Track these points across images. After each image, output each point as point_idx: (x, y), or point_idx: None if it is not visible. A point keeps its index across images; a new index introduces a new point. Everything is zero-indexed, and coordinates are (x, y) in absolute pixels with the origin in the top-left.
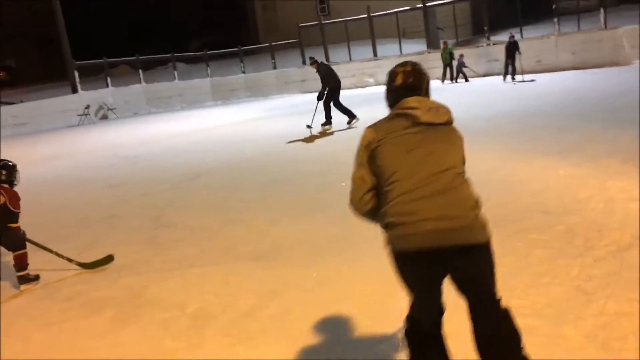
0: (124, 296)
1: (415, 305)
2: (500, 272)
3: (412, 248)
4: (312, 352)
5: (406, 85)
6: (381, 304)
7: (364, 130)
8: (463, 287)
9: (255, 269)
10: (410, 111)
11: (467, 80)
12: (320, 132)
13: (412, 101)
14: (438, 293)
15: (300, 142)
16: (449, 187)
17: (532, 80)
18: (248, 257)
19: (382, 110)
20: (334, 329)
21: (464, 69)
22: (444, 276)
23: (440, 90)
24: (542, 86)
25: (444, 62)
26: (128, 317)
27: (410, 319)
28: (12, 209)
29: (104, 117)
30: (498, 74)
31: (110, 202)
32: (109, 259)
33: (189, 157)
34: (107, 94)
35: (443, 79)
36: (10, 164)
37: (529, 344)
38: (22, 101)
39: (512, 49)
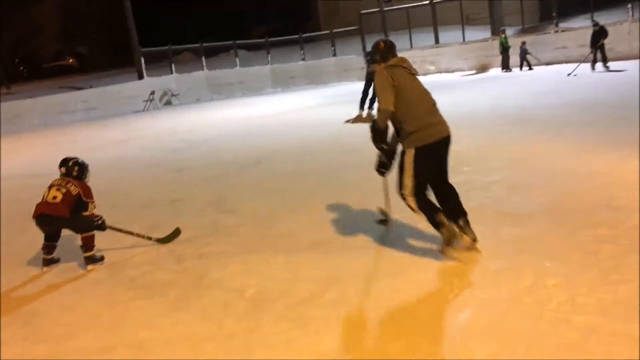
0: (186, 278)
1: (421, 179)
2: (567, 268)
3: (432, 140)
4: (369, 341)
5: (389, 49)
6: (437, 296)
7: (383, 71)
8: (440, 161)
9: (314, 256)
10: (405, 64)
11: (530, 68)
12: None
13: (403, 59)
14: (436, 168)
15: (360, 130)
16: (435, 107)
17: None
18: (307, 244)
19: (445, 97)
20: (391, 319)
21: (528, 57)
22: (446, 159)
23: (503, 79)
24: (613, 75)
25: (501, 50)
26: (190, 298)
27: (418, 191)
28: (86, 199)
29: (168, 103)
30: (565, 62)
31: (175, 186)
32: (177, 232)
33: (250, 143)
34: (171, 80)
35: (503, 67)
36: (81, 161)
37: (595, 342)
38: (91, 86)
39: (595, 36)
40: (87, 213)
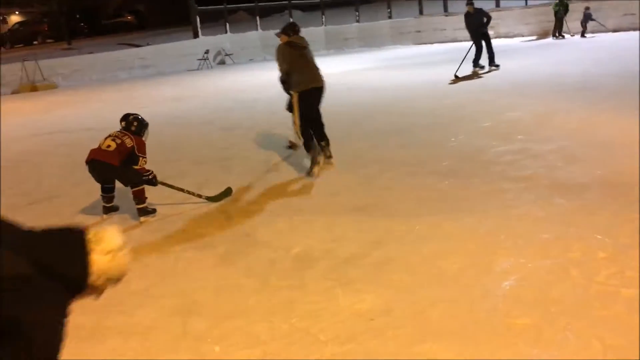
0: (234, 234)
1: (305, 122)
2: (617, 241)
3: (309, 87)
4: (410, 303)
5: (291, 29)
6: (482, 264)
7: (282, 46)
8: (314, 103)
9: (359, 218)
10: (299, 41)
11: (583, 35)
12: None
13: (299, 38)
14: (313, 107)
15: (413, 93)
16: (314, 68)
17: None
18: (353, 207)
19: (507, 62)
20: (432, 282)
21: (591, 22)
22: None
23: (564, 46)
24: None
25: (556, 14)
26: (237, 254)
27: (304, 130)
28: (138, 154)
29: (222, 63)
30: (636, 29)
31: (226, 144)
32: (228, 191)
33: None
34: (225, 39)
35: (554, 33)
36: (140, 117)
37: None
38: (148, 44)
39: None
40: (137, 167)
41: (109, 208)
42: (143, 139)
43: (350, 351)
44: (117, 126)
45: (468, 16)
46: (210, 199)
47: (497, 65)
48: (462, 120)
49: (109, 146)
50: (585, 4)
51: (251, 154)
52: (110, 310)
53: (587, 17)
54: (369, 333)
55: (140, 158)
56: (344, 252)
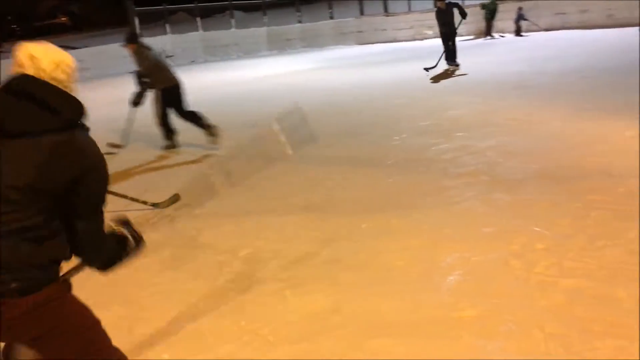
0: (180, 239)
1: (164, 109)
2: (556, 232)
3: (166, 86)
4: (360, 300)
5: (136, 36)
6: (427, 259)
7: (140, 50)
8: (173, 99)
9: (308, 218)
10: (148, 46)
11: (518, 34)
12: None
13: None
14: (175, 103)
15: (356, 93)
16: (168, 67)
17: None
18: (301, 207)
19: (442, 62)
20: (381, 279)
21: (522, 22)
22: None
23: (500, 45)
24: (612, 43)
25: (485, 16)
26: (183, 258)
27: (164, 123)
28: None
29: None
30: (566, 28)
31: (168, 150)
32: (176, 197)
33: (246, 106)
34: (166, 41)
35: (485, 34)
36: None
37: (579, 304)
38: (85, 46)
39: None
40: None
41: None
42: None
43: (301, 351)
44: None
45: (440, 12)
46: (157, 206)
47: (457, 64)
48: (405, 119)
49: None
50: (519, 4)
51: (196, 157)
52: None
53: (520, 17)
54: (319, 332)
55: None
56: (293, 252)
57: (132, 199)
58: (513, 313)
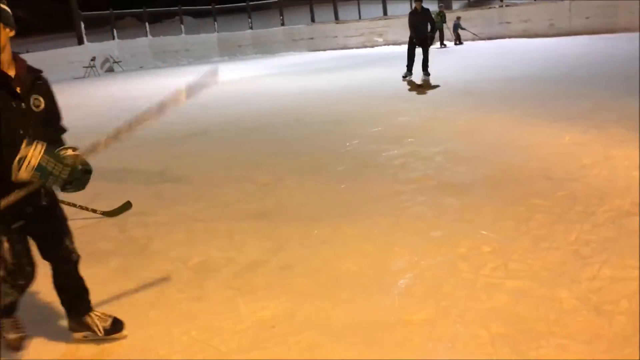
0: (129, 247)
1: None
2: (500, 235)
3: None
4: (312, 306)
5: None
6: (379, 264)
7: None
8: None
9: (259, 225)
10: None
11: (459, 42)
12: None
13: None
14: None
15: (307, 100)
16: None
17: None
18: (252, 214)
19: (394, 69)
20: (333, 285)
21: (460, 31)
22: None
23: (446, 53)
24: (553, 51)
25: (438, 26)
26: (132, 267)
27: None
28: None
29: (110, 70)
30: (509, 37)
31: (117, 154)
32: (127, 205)
33: (196, 113)
34: (113, 46)
35: (440, 43)
36: None
37: (524, 305)
38: (27, 51)
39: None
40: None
41: None
42: None
43: None
44: None
45: (414, 14)
46: (107, 214)
47: (428, 74)
48: (354, 125)
49: None
50: (457, 14)
51: (145, 164)
52: None
53: (456, 26)
54: (271, 340)
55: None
56: (244, 260)
57: (82, 207)
58: (461, 315)
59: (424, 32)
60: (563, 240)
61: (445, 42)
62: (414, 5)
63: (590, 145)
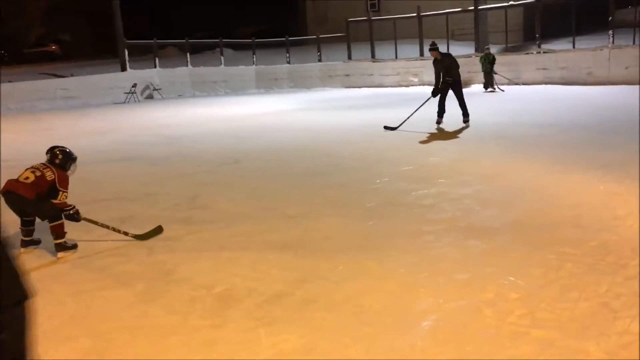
0: (155, 272)
1: None
2: (528, 283)
3: None
4: (331, 341)
5: None
6: (402, 303)
7: None
8: None
9: (284, 257)
10: None
11: (492, 89)
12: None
13: None
14: None
15: (339, 136)
16: None
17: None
18: (277, 245)
19: (428, 109)
20: (354, 321)
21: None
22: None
23: (481, 96)
24: (590, 99)
25: (483, 69)
26: (157, 292)
27: None
28: (59, 187)
29: (150, 97)
30: (546, 83)
31: (149, 180)
32: (158, 230)
33: (230, 142)
34: (154, 74)
35: (485, 85)
36: (68, 151)
37: (549, 356)
38: (72, 75)
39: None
40: (56, 201)
41: (28, 242)
42: (69, 173)
43: None
44: (32, 157)
45: (436, 63)
46: (139, 237)
47: (467, 121)
48: (385, 163)
49: (27, 178)
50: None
51: (176, 190)
52: None
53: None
54: None
55: (60, 192)
56: (267, 291)
57: (113, 229)
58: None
59: (453, 77)
60: (593, 292)
61: (495, 86)
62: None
63: (625, 195)
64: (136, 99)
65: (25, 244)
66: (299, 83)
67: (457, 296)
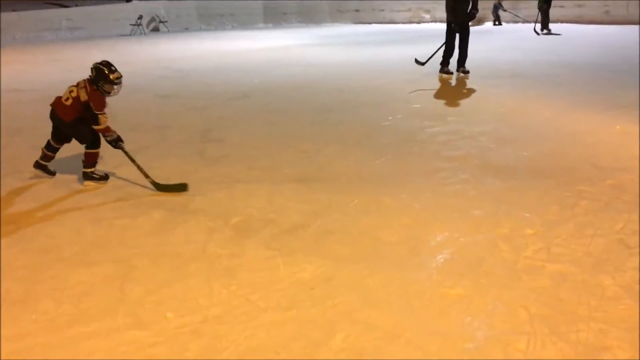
0: (171, 202)
1: None
2: (544, 219)
3: None
4: (349, 272)
5: None
6: (417, 237)
7: None
8: None
9: (299, 190)
10: None
11: (499, 24)
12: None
13: None
14: None
15: (350, 72)
16: None
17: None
18: (293, 179)
19: (437, 46)
20: (371, 253)
21: (501, 12)
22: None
23: (495, 34)
24: (608, 38)
25: (538, 6)
26: (174, 222)
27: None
28: (94, 111)
29: (155, 30)
30: (562, 22)
31: (161, 113)
32: (182, 187)
33: (239, 77)
34: (160, 6)
35: (542, 27)
36: (104, 64)
37: (565, 289)
38: (76, 5)
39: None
40: (99, 127)
41: (41, 166)
42: (110, 94)
43: (291, 318)
44: (44, 88)
45: None
46: (159, 187)
47: (467, 71)
48: (397, 100)
49: (67, 99)
50: None
51: (188, 123)
52: (39, 275)
53: (496, 8)
54: (308, 301)
55: (100, 116)
56: (284, 223)
57: (141, 169)
58: (499, 293)
59: (464, 14)
60: (609, 229)
61: (549, 27)
62: None
63: None
64: (142, 32)
65: (38, 165)
66: (308, 18)
67: (472, 231)
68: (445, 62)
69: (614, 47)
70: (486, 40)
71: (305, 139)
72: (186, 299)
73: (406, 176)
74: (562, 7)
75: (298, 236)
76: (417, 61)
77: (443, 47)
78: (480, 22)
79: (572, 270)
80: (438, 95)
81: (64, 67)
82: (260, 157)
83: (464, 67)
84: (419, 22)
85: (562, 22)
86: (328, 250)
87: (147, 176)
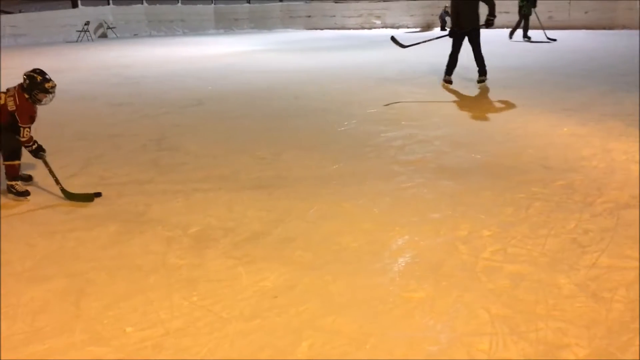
0: (127, 213)
1: None
2: (499, 220)
3: None
4: (312, 278)
5: None
6: (379, 241)
7: None
8: None
9: (259, 197)
10: None
11: (444, 29)
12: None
13: None
14: None
15: (305, 78)
16: None
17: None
18: (251, 186)
19: (394, 52)
20: (333, 259)
21: (447, 18)
22: None
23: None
24: (552, 44)
25: (523, 11)
26: (131, 232)
27: None
28: (19, 122)
29: (103, 36)
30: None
31: (113, 121)
32: (90, 197)
33: (192, 84)
34: (108, 11)
35: (524, 34)
36: (37, 72)
37: (523, 289)
38: (20, 11)
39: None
40: (22, 140)
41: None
42: (40, 103)
43: (255, 327)
44: None
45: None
46: (67, 195)
47: (483, 80)
48: (352, 105)
49: None
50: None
51: (141, 131)
52: None
53: (444, 13)
54: (272, 310)
55: (22, 128)
56: (244, 231)
57: (54, 176)
58: (460, 295)
59: (469, 21)
60: (562, 228)
61: (529, 35)
62: None
63: (589, 137)
64: (89, 38)
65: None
66: (260, 24)
67: (432, 234)
68: (448, 72)
69: (557, 51)
70: (435, 45)
71: (263, 145)
72: (146, 313)
73: (365, 181)
74: (507, 12)
75: (259, 244)
76: (394, 40)
77: (428, 40)
78: (429, 27)
79: (529, 270)
80: (391, 100)
81: (10, 74)
82: (217, 165)
83: (484, 76)
84: (370, 28)
85: (507, 27)
86: (290, 257)
87: (58, 182)
